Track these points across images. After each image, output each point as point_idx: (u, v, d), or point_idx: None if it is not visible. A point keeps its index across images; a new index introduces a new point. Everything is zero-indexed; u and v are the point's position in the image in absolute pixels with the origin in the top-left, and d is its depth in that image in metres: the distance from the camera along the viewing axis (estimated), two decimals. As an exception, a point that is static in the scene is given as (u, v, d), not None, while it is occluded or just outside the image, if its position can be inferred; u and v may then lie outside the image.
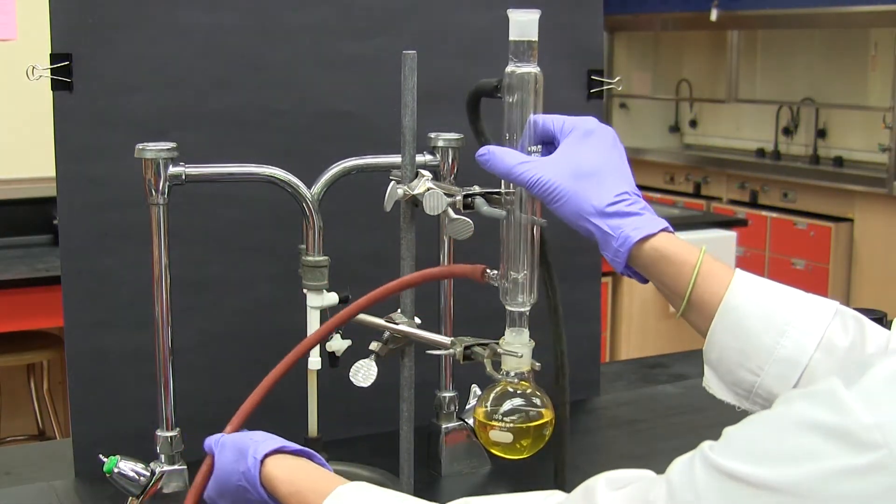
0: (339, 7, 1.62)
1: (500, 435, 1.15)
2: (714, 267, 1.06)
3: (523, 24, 1.04)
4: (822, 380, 0.72)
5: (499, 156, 1.04)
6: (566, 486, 1.14)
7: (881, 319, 1.71)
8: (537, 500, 0.90)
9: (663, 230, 1.05)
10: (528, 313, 1.07)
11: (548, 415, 1.06)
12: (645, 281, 1.09)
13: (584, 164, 1.05)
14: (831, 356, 1.00)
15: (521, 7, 1.06)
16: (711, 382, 1.08)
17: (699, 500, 0.74)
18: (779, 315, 1.02)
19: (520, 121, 1.05)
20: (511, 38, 1.05)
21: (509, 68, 1.05)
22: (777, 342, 1.01)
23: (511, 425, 1.05)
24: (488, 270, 1.08)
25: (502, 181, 1.07)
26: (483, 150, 1.05)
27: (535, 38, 1.04)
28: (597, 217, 1.04)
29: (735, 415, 1.46)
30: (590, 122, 1.09)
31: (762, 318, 1.03)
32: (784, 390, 1.01)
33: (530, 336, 1.07)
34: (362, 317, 1.16)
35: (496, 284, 1.07)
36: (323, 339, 1.24)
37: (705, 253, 1.06)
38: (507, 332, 1.07)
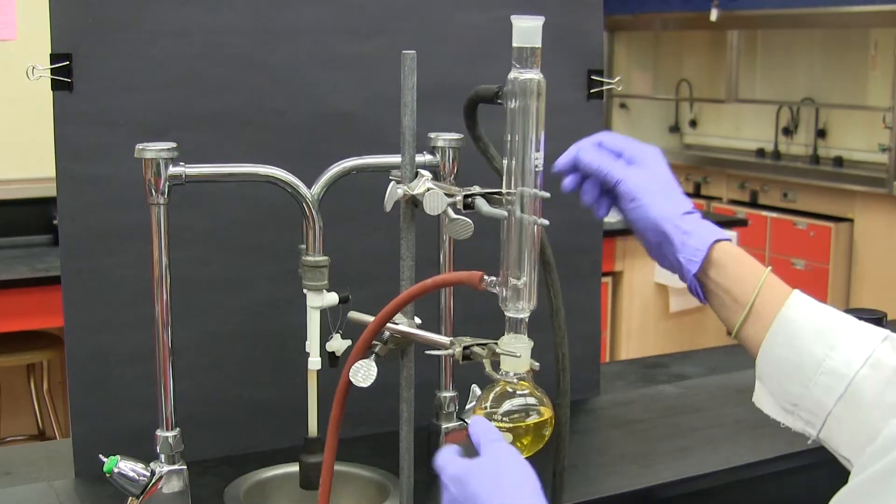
0: (339, 7, 1.62)
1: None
2: (775, 281, 1.14)
3: (527, 30, 1.03)
4: None
5: (595, 152, 1.14)
6: (564, 488, 1.14)
7: (881, 320, 1.71)
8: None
9: (727, 239, 1.15)
10: (527, 319, 1.06)
11: (547, 414, 1.06)
12: (704, 300, 1.16)
13: (661, 179, 1.16)
14: (878, 373, 1.04)
15: (522, 8, 1.06)
16: (761, 397, 1.13)
17: None
18: (832, 331, 1.08)
19: (522, 128, 1.05)
20: (514, 44, 1.04)
21: (512, 74, 1.05)
22: (827, 354, 1.06)
23: (510, 425, 1.05)
24: (486, 277, 1.08)
25: (503, 182, 1.07)
26: (594, 141, 1.13)
27: (539, 45, 1.04)
28: (676, 219, 1.14)
29: (735, 416, 1.47)
30: (654, 149, 1.19)
31: (816, 332, 1.08)
32: (828, 403, 1.06)
33: (532, 336, 1.07)
34: (362, 317, 1.16)
35: (495, 291, 1.07)
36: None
37: (769, 271, 1.15)
38: (506, 334, 1.07)
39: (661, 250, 1.16)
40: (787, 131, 6.47)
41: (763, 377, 1.13)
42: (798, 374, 1.08)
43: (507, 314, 1.06)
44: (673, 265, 1.16)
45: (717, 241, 1.14)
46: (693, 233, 1.14)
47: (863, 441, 1.03)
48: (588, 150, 1.16)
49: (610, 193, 1.17)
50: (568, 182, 1.16)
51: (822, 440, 1.09)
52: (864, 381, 1.04)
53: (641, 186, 1.14)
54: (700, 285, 1.15)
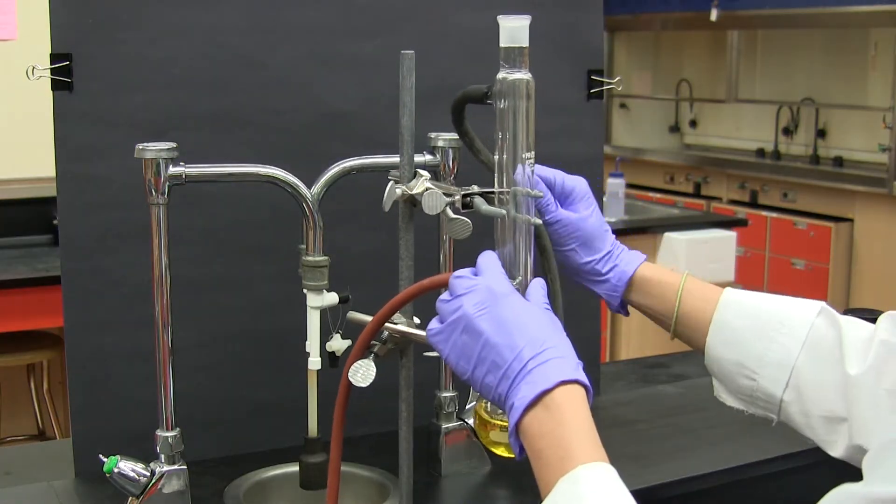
0: (339, 7, 1.62)
1: (500, 435, 1.15)
2: (698, 286, 1.21)
3: (514, 30, 1.03)
4: None
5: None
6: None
7: (881, 320, 1.71)
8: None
9: (644, 259, 1.26)
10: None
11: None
12: (627, 314, 1.28)
13: (585, 222, 1.26)
14: (816, 352, 1.10)
15: (521, 9, 1.06)
16: (719, 391, 1.21)
17: None
18: (767, 324, 1.13)
19: (512, 127, 1.05)
20: (501, 44, 1.04)
21: (500, 75, 1.05)
22: (767, 347, 1.12)
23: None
24: None
25: (495, 181, 1.07)
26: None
27: (526, 45, 1.04)
28: (595, 265, 1.25)
29: (735, 416, 1.47)
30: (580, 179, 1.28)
31: (752, 329, 1.14)
32: (777, 392, 1.12)
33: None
34: (361, 317, 1.16)
35: None
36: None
37: (688, 275, 1.22)
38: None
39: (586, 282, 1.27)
40: (787, 131, 6.47)
41: (715, 375, 1.19)
42: (744, 370, 1.14)
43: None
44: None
45: (636, 269, 1.24)
46: (611, 272, 1.24)
47: (817, 419, 1.10)
48: None
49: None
50: None
51: (784, 422, 1.15)
52: (805, 366, 1.10)
53: (566, 234, 1.23)
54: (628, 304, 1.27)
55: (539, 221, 1.08)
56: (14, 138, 3.66)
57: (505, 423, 1.06)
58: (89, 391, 1.53)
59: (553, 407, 0.90)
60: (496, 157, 1.06)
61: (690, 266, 3.87)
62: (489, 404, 1.10)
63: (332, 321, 1.33)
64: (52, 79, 1.46)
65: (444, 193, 1.10)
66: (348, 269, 1.42)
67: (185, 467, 1.36)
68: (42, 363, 3.55)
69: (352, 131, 1.63)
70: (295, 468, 1.40)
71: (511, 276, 1.04)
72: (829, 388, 1.08)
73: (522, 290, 1.04)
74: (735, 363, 1.14)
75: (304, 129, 1.61)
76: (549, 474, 0.87)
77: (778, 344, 1.11)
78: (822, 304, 1.13)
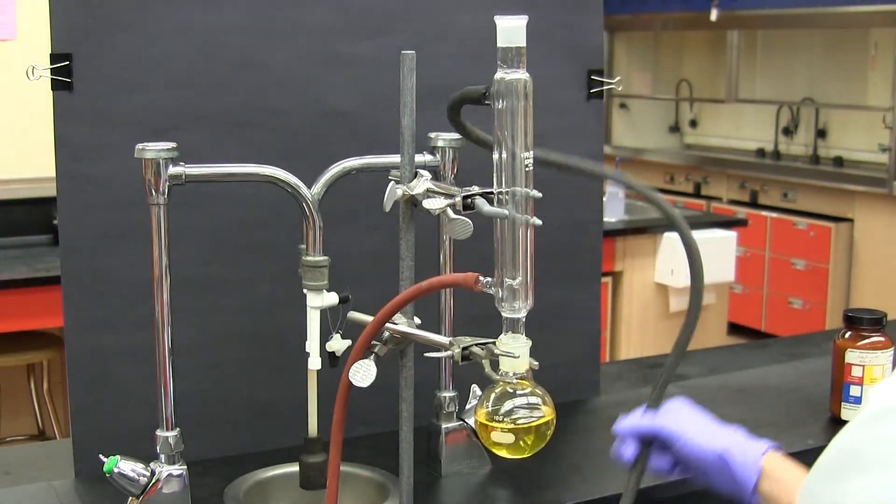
0: (339, 7, 1.62)
1: (502, 436, 1.15)
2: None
3: (510, 30, 1.03)
4: None
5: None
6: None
7: (881, 319, 1.71)
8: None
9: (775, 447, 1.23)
10: (524, 319, 1.06)
11: (548, 413, 1.07)
12: None
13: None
14: None
15: (521, 8, 1.06)
16: None
17: None
18: None
19: (510, 127, 1.05)
20: (499, 44, 1.04)
21: (498, 75, 1.05)
22: None
23: (513, 425, 1.05)
24: (481, 278, 1.08)
25: (494, 181, 1.07)
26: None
27: (523, 44, 1.04)
28: (725, 440, 1.23)
29: (735, 416, 1.47)
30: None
31: None
32: None
33: (538, 333, 1.07)
34: (361, 317, 1.16)
35: (491, 292, 1.07)
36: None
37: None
38: (504, 334, 1.07)
39: (719, 474, 1.20)
40: (787, 131, 6.47)
41: None
42: None
43: (504, 314, 1.06)
44: (733, 484, 1.19)
45: (765, 452, 1.19)
46: (744, 447, 1.20)
47: None
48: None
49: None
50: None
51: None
52: None
53: (679, 428, 1.23)
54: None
55: (538, 222, 1.07)
56: (14, 138, 3.66)
57: (506, 426, 1.06)
58: (89, 391, 1.53)
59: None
60: (494, 157, 1.06)
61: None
62: (490, 405, 1.10)
63: (332, 321, 1.33)
64: (52, 79, 1.46)
65: (444, 194, 1.10)
66: (348, 269, 1.42)
67: (185, 467, 1.36)
68: (42, 363, 3.55)
69: (352, 131, 1.63)
70: (295, 468, 1.40)
71: (511, 276, 1.05)
72: None
73: (525, 289, 1.05)
74: None
75: (304, 129, 1.61)
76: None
77: None
78: None
